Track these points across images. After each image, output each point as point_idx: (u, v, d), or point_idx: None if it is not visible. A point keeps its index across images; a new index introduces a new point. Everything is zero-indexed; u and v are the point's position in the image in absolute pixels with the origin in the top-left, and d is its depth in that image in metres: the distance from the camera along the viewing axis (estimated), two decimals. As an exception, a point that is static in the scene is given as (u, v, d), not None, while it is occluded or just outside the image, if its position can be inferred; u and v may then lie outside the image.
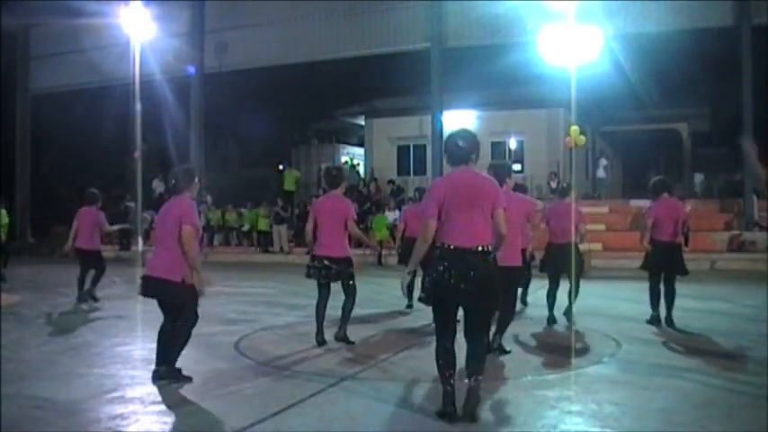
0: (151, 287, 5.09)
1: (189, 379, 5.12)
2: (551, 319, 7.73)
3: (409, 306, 8.77)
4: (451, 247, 4.17)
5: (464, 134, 4.40)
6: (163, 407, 4.59)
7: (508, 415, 4.41)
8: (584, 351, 6.26)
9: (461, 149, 4.32)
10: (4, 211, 12.66)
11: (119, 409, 4.53)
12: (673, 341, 6.88)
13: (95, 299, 9.76)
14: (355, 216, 6.74)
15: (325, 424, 4.23)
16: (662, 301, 7.75)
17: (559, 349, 6.45)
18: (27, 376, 5.42)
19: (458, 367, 4.28)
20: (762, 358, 5.95)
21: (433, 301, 4.26)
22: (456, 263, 4.13)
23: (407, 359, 6.09)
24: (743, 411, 4.48)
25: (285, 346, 6.65)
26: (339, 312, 6.69)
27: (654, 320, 7.72)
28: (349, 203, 6.69)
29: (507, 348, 6.14)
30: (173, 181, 5.23)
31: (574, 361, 5.86)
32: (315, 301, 6.61)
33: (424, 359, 6.07)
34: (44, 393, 4.90)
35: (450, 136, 4.41)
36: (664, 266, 7.69)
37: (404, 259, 9.53)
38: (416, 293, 8.83)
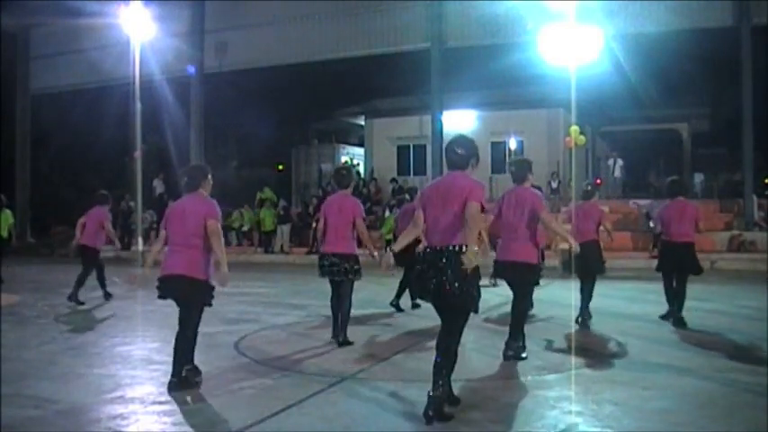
0: (175, 286, 5.00)
1: (200, 374, 5.16)
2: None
3: (416, 305, 8.82)
4: (427, 247, 4.34)
5: (462, 141, 4.43)
6: (163, 407, 4.58)
7: (508, 415, 4.41)
8: (584, 351, 6.26)
9: (460, 156, 4.38)
10: (8, 212, 12.69)
11: (119, 409, 4.53)
12: (673, 341, 6.88)
13: (108, 296, 10.13)
14: (363, 215, 6.82)
15: (325, 424, 4.23)
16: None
17: (559, 349, 6.46)
18: (27, 376, 5.42)
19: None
20: (762, 358, 5.96)
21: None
22: (427, 262, 4.26)
23: (407, 359, 6.09)
24: (743, 411, 4.48)
25: (285, 345, 6.65)
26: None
27: (668, 315, 7.81)
28: (357, 202, 6.80)
29: (524, 355, 5.92)
30: (185, 178, 5.19)
31: (574, 361, 5.85)
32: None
33: (425, 359, 6.06)
34: (44, 393, 4.90)
35: (449, 143, 4.45)
36: (675, 266, 7.79)
37: (398, 260, 9.52)
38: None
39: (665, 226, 7.87)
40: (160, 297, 5.10)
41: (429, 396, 4.13)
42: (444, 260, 4.13)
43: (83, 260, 10.11)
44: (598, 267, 7.81)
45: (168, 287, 5.03)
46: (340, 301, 6.61)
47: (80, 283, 9.91)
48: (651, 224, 15.97)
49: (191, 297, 5.03)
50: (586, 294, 7.76)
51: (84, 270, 10.00)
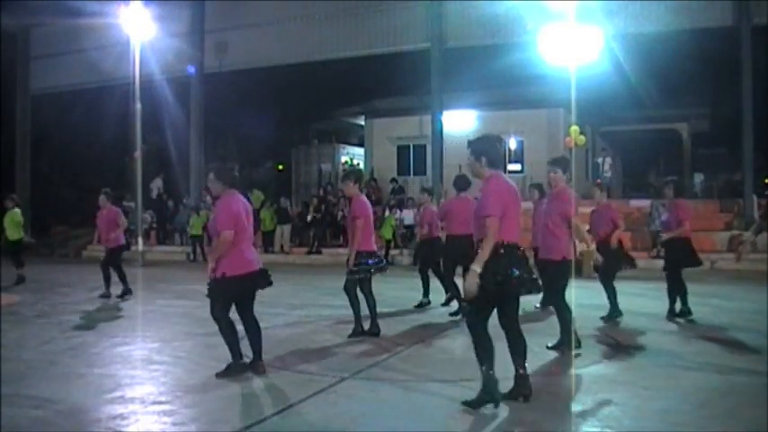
0: (265, 277, 5.43)
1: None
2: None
3: (422, 304, 8.86)
4: (510, 243, 4.43)
5: (502, 141, 4.71)
6: (163, 407, 4.59)
7: (508, 415, 4.40)
8: (584, 351, 6.26)
9: (504, 155, 4.55)
10: (17, 210, 12.69)
11: (119, 409, 4.54)
12: (673, 341, 6.88)
13: (124, 295, 10.32)
14: None
15: (325, 424, 4.23)
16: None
17: (560, 349, 6.44)
18: (27, 376, 5.42)
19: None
20: (762, 358, 5.96)
21: (492, 295, 4.37)
22: (515, 257, 4.43)
23: (408, 359, 6.10)
24: (743, 411, 4.48)
25: (285, 345, 6.65)
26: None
27: (682, 313, 7.94)
28: None
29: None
30: (236, 174, 5.55)
31: (574, 361, 5.85)
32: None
33: (425, 359, 6.09)
34: (44, 393, 4.91)
35: (497, 141, 4.63)
36: (681, 262, 8.14)
37: (419, 256, 9.50)
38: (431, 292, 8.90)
39: (681, 224, 8.06)
40: (255, 289, 5.40)
41: (519, 375, 4.53)
42: (523, 254, 4.53)
43: (112, 259, 10.35)
44: (618, 265, 8.12)
45: (261, 280, 5.40)
46: (368, 298, 7.07)
47: (123, 278, 10.35)
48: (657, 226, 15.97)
49: (267, 284, 5.50)
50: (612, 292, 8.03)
51: (114, 268, 10.33)
